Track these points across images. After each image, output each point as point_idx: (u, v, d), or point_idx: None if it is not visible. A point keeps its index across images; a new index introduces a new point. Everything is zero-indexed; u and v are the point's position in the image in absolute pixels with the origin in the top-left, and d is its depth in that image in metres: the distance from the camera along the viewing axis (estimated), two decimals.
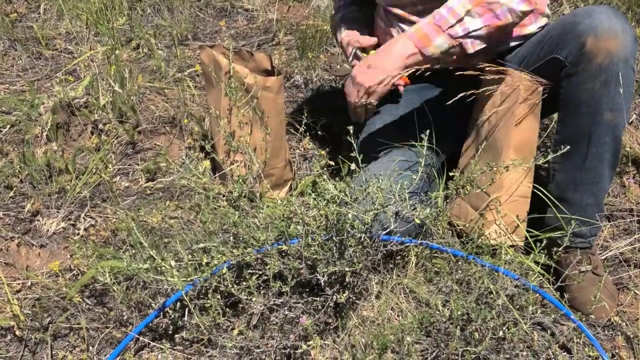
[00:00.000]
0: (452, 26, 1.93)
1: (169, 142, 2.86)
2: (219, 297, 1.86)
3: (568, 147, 1.94)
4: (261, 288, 1.88)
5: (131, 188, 2.63)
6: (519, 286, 1.94)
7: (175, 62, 3.37)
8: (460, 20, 1.92)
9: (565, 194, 2.02)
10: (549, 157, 1.98)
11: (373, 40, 2.28)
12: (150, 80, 3.23)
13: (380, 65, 1.98)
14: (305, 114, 2.50)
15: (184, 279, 1.85)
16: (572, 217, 2.03)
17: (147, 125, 2.93)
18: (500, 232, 2.07)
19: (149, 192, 2.60)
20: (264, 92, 2.26)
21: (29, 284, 2.20)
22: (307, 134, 2.77)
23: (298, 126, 2.71)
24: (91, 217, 2.46)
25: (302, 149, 2.75)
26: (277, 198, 2.18)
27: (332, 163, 1.86)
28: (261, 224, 1.92)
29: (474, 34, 1.95)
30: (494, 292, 1.88)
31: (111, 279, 1.96)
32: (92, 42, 3.53)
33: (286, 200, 1.90)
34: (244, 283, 1.84)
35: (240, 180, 2.02)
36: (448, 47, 1.96)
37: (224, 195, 2.10)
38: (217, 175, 2.46)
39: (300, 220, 1.81)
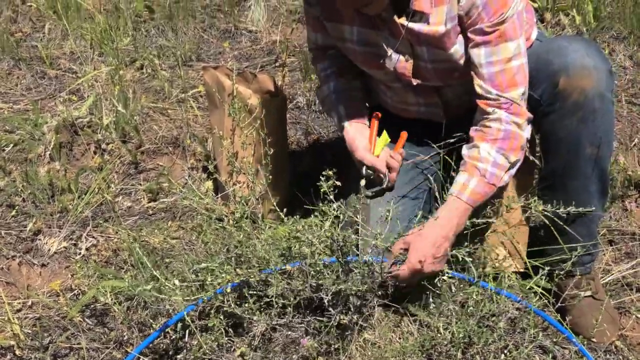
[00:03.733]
0: (502, 178, 1.95)
1: (171, 163, 2.88)
2: (221, 317, 1.86)
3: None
4: (263, 308, 1.89)
5: (133, 208, 2.65)
6: (520, 309, 1.95)
7: (179, 83, 3.40)
8: (507, 170, 1.95)
9: (557, 226, 2.02)
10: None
11: (383, 169, 2.11)
12: (154, 101, 3.25)
13: (444, 249, 1.91)
14: (308, 136, 2.51)
15: (187, 298, 1.85)
16: (569, 246, 2.04)
17: (150, 145, 2.95)
18: (501, 258, 2.08)
19: (151, 212, 2.62)
20: (267, 113, 2.28)
21: (30, 303, 2.21)
22: (310, 155, 2.79)
23: (301, 147, 2.72)
24: (93, 237, 2.47)
25: (306, 170, 2.76)
26: (281, 216, 2.19)
27: (339, 183, 1.87)
28: (264, 245, 1.93)
29: (514, 174, 2.00)
30: (495, 314, 1.89)
31: (112, 299, 1.97)
32: (96, 62, 3.56)
33: (291, 220, 1.91)
34: (246, 304, 1.85)
35: (243, 201, 2.03)
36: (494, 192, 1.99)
37: (226, 216, 2.11)
38: (219, 195, 2.47)
39: (306, 240, 1.82)
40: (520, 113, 1.93)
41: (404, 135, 2.18)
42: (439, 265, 1.91)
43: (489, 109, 1.94)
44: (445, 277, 1.94)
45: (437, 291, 1.95)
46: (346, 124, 2.15)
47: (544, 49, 2.03)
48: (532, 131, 2.03)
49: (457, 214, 1.92)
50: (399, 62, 2.04)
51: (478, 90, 1.95)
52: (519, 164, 1.98)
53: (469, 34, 1.91)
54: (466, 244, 1.96)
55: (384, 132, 2.15)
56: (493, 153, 1.92)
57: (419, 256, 1.86)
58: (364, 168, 2.11)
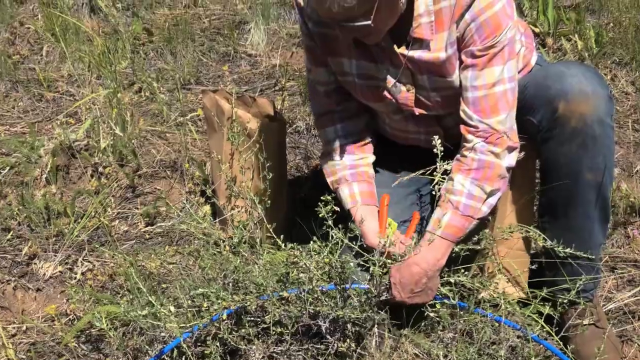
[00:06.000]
0: (479, 209, 1.96)
1: (169, 187, 2.89)
2: (217, 344, 1.86)
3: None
4: (261, 335, 1.89)
5: (130, 232, 2.66)
6: (521, 337, 1.95)
7: (177, 106, 3.42)
8: (484, 201, 1.96)
9: (557, 254, 2.03)
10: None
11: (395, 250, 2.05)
12: (152, 124, 3.27)
13: (427, 284, 1.93)
14: (308, 160, 2.52)
15: (183, 325, 1.86)
16: (569, 274, 2.04)
17: (148, 169, 2.97)
18: (501, 284, 2.09)
19: (148, 236, 2.63)
20: (266, 137, 2.29)
21: (25, 328, 2.21)
22: (310, 180, 2.80)
23: (300, 172, 2.74)
24: (89, 262, 2.48)
25: (304, 195, 2.77)
26: (279, 242, 2.20)
27: (337, 209, 1.89)
28: (261, 270, 1.94)
29: (494, 204, 2.01)
30: (496, 342, 1.89)
31: (107, 325, 1.97)
32: (94, 84, 3.59)
33: (289, 246, 1.92)
34: (243, 330, 1.85)
35: (241, 226, 2.04)
36: (475, 225, 1.99)
37: (224, 241, 2.12)
38: (217, 220, 2.48)
39: (304, 266, 1.83)
40: (499, 142, 1.93)
41: (416, 216, 2.12)
42: (421, 299, 1.94)
43: (469, 136, 1.95)
44: (435, 308, 1.97)
45: (435, 317, 1.96)
46: (356, 205, 2.11)
47: (542, 74, 2.05)
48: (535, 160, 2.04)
49: (433, 249, 1.93)
50: (401, 92, 2.06)
51: (462, 115, 1.96)
52: (498, 194, 1.98)
53: (462, 56, 1.94)
54: (462, 270, 1.97)
55: (391, 220, 2.08)
56: (467, 184, 1.94)
57: (398, 289, 1.91)
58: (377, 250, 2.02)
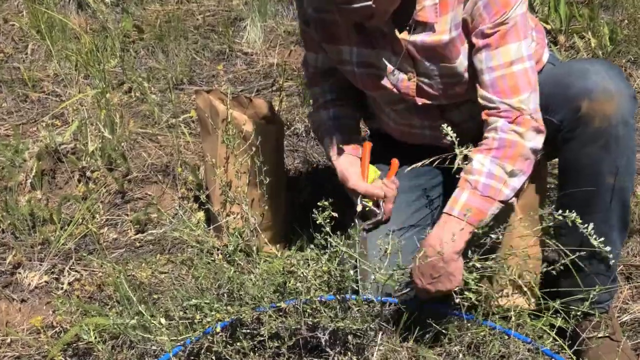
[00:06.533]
0: (500, 190, 1.93)
1: (161, 192, 2.90)
2: (212, 357, 1.87)
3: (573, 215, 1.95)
4: (257, 349, 1.90)
5: (119, 240, 2.66)
6: (532, 350, 1.96)
7: (170, 107, 3.43)
8: (505, 182, 1.93)
9: (574, 262, 2.03)
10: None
11: (380, 193, 2.14)
12: (143, 126, 3.28)
13: (446, 269, 1.91)
14: (307, 164, 2.53)
15: (174, 338, 1.86)
16: (584, 283, 2.05)
17: (138, 173, 2.97)
18: (511, 295, 2.09)
19: (138, 244, 2.63)
20: (263, 140, 2.30)
21: (9, 340, 2.21)
22: (309, 185, 2.81)
23: (299, 177, 2.74)
24: (76, 271, 2.48)
25: (304, 200, 2.78)
26: (276, 252, 2.21)
27: (336, 215, 1.89)
28: (257, 280, 1.95)
29: (519, 188, 1.98)
30: (505, 356, 1.90)
31: (96, 338, 1.98)
32: (81, 84, 3.60)
33: (285, 254, 1.93)
34: (238, 344, 1.86)
35: (237, 234, 2.05)
36: (498, 209, 1.97)
37: (218, 249, 2.13)
38: (211, 227, 2.49)
39: (302, 275, 1.84)
40: (523, 122, 1.91)
41: (395, 162, 2.20)
42: (443, 285, 1.91)
43: (490, 119, 1.94)
44: (463, 295, 1.94)
45: (441, 329, 1.97)
46: (338, 154, 2.18)
47: (562, 71, 2.06)
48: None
49: (448, 229, 1.90)
50: (402, 81, 2.07)
51: (481, 101, 1.96)
52: (523, 177, 1.95)
53: (472, 39, 1.94)
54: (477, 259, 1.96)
55: (373, 167, 2.19)
56: (487, 163, 1.91)
57: (417, 275, 1.91)
58: (359, 198, 2.13)
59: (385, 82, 2.09)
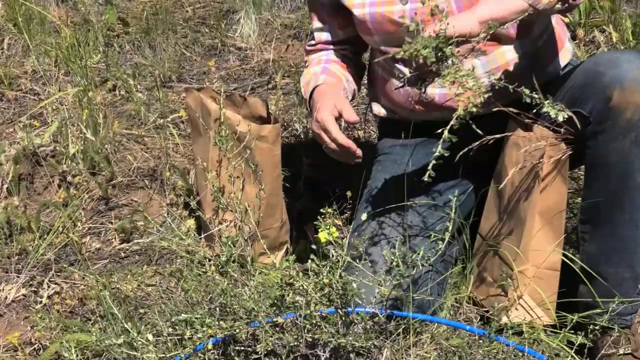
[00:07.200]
0: None
1: (147, 198, 2.90)
2: None
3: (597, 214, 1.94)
4: None
5: (103, 250, 2.66)
6: None
7: (157, 107, 3.43)
8: None
9: (597, 267, 2.02)
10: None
11: (356, 118, 2.14)
12: (128, 127, 3.28)
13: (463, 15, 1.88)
14: (305, 168, 2.53)
15: (162, 355, 1.86)
16: (605, 295, 2.04)
17: (123, 178, 2.97)
18: (525, 311, 2.09)
19: (123, 254, 2.63)
20: (259, 142, 2.30)
21: None
22: (307, 190, 2.81)
23: (297, 181, 2.74)
24: (56, 284, 2.48)
25: (302, 207, 2.78)
26: (273, 261, 2.20)
27: (338, 222, 1.89)
28: (252, 293, 1.95)
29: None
30: None
31: (77, 355, 1.97)
32: (61, 82, 3.60)
33: (283, 264, 1.92)
34: None
35: (230, 243, 2.05)
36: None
37: (210, 260, 2.13)
38: (203, 236, 2.49)
39: (301, 288, 1.83)
40: None
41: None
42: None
43: None
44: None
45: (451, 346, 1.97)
46: (320, 79, 2.29)
47: (591, 62, 2.05)
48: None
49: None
50: (416, 10, 2.11)
51: None
52: None
53: None
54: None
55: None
56: None
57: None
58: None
59: (398, 18, 2.13)
